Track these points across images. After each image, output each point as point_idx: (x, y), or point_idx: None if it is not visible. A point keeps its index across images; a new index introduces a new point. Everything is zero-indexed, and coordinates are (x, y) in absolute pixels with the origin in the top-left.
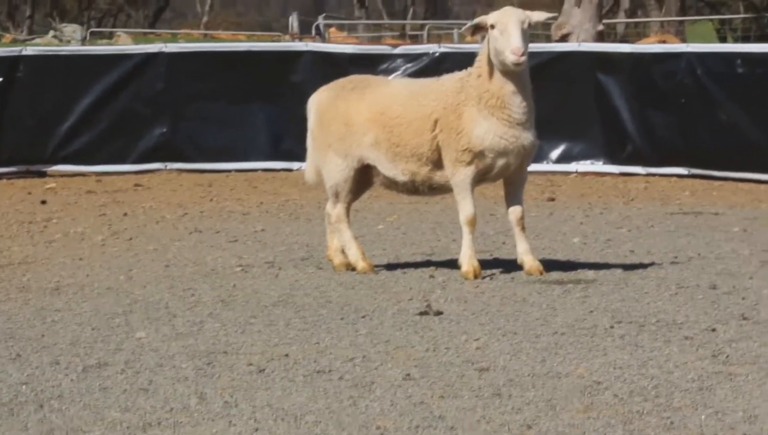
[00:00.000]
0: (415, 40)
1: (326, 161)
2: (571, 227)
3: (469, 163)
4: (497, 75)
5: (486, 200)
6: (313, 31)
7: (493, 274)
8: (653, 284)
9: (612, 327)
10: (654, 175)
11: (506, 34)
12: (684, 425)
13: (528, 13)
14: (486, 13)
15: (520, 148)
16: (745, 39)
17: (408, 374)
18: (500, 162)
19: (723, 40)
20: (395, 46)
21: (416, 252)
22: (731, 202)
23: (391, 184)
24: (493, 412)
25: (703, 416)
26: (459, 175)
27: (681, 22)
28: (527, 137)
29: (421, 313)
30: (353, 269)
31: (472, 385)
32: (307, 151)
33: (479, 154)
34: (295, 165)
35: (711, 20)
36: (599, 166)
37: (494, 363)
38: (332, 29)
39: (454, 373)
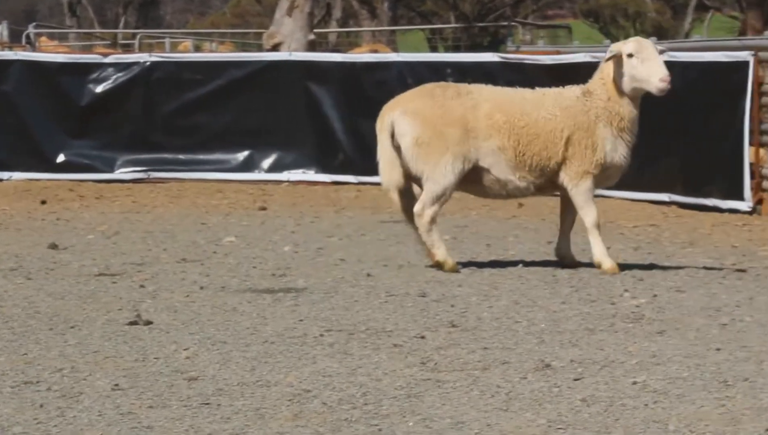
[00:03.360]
0: (127, 49)
1: (440, 164)
2: (282, 236)
3: (593, 175)
4: (626, 100)
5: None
6: (24, 40)
7: (203, 286)
8: (363, 292)
9: (322, 335)
10: (365, 183)
11: (649, 63)
12: (392, 432)
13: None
14: (199, 22)
15: (626, 168)
16: (456, 48)
17: (116, 384)
18: (612, 178)
19: (434, 49)
20: (106, 55)
21: (126, 262)
22: (442, 209)
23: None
24: (201, 421)
25: (410, 423)
26: (584, 185)
27: (393, 31)
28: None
29: (131, 323)
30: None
31: (181, 395)
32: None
33: (605, 169)
34: (5, 175)
35: (422, 30)
36: (311, 175)
37: (203, 372)
38: (43, 38)
39: (163, 383)
